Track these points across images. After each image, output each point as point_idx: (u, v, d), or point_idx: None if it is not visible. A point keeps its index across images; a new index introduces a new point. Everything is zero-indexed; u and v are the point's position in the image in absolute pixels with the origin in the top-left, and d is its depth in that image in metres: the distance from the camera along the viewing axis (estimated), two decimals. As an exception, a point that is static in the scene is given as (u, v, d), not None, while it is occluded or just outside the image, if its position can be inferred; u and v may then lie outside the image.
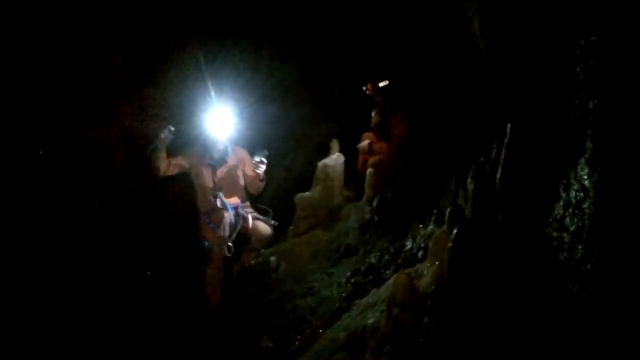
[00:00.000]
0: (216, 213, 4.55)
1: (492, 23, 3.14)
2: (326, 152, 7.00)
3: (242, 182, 4.71)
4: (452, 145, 4.91)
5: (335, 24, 6.33)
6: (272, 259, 5.52)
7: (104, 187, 5.49)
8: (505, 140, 2.76)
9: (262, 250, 5.29)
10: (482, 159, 3.44)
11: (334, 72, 6.90)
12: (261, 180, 4.89)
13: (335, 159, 6.81)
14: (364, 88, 5.74)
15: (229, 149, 4.64)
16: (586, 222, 2.18)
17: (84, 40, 5.31)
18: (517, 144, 2.71)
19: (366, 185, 5.97)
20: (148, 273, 5.19)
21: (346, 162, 6.82)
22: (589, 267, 2.08)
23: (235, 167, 4.67)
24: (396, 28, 5.80)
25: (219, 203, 4.53)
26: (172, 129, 4.43)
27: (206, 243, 4.59)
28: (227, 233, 4.56)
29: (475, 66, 4.15)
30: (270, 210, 4.73)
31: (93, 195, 5.42)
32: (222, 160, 4.60)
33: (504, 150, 2.77)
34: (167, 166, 4.51)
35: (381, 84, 5.69)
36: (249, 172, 4.76)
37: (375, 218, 5.63)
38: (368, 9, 6.00)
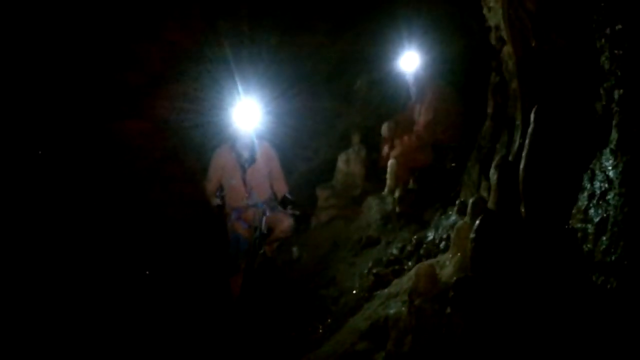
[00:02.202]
0: (248, 211, 4.55)
1: (516, 12, 3.10)
2: (347, 143, 7.02)
3: (268, 179, 4.70)
4: (474, 135, 4.88)
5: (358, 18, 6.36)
6: (294, 249, 5.57)
7: (139, 178, 5.61)
8: (529, 130, 2.74)
9: (284, 241, 5.31)
10: (505, 150, 3.42)
11: (360, 63, 6.92)
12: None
13: (356, 150, 6.82)
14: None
15: (256, 144, 4.62)
16: (611, 213, 2.15)
17: (114, 33, 5.41)
18: (541, 133, 2.68)
19: (388, 176, 5.97)
20: (176, 266, 5.28)
21: (367, 153, 6.83)
22: (613, 258, 2.06)
23: (262, 165, 4.65)
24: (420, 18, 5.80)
25: (251, 202, 4.54)
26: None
27: (240, 238, 4.59)
28: (263, 230, 4.54)
29: (497, 56, 4.12)
30: (292, 198, 4.70)
31: (127, 187, 5.53)
32: (252, 160, 4.59)
33: (527, 140, 2.74)
34: (214, 189, 4.56)
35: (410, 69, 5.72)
36: (275, 170, 4.75)
37: (397, 209, 5.62)
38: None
